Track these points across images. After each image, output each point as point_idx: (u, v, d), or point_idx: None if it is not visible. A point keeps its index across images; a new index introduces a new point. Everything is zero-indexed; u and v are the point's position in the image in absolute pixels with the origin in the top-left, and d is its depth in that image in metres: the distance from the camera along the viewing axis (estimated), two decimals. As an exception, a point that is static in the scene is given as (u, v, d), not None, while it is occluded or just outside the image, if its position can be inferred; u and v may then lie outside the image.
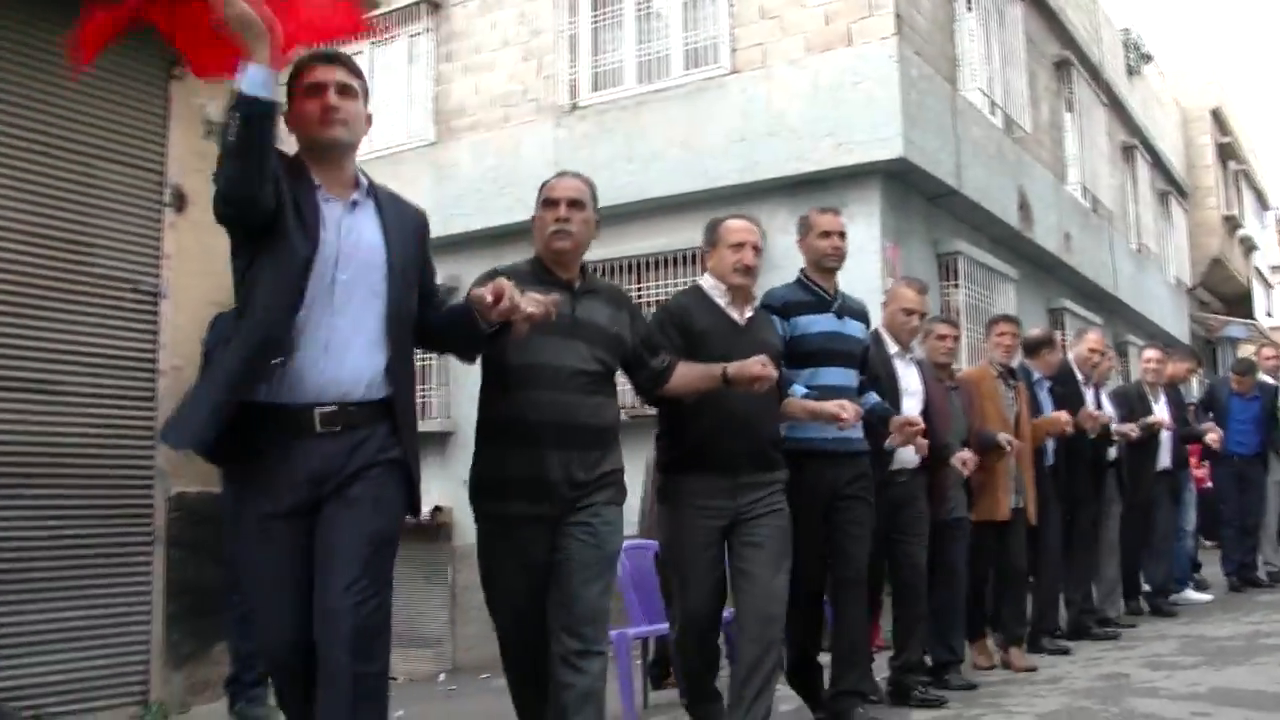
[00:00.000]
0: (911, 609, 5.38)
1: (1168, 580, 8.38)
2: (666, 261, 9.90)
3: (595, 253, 10.14)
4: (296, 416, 2.85)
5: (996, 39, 11.76)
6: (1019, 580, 6.42)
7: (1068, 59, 14.22)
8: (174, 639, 4.05)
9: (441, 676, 9.07)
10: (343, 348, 2.91)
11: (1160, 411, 8.20)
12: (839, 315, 4.86)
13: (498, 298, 2.96)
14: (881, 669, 5.50)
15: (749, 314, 4.43)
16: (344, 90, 3.00)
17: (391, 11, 12.12)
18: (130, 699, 4.11)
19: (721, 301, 4.37)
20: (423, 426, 10.40)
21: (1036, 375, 6.99)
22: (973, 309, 10.45)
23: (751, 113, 9.83)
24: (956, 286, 10.47)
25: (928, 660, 5.64)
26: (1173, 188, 20.14)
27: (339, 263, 2.92)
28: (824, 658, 4.97)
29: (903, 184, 9.71)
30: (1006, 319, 6.75)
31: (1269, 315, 27.89)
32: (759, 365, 3.83)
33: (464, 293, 3.24)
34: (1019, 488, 6.37)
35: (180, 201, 4.02)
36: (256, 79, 2.67)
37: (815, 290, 4.87)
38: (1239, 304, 24.39)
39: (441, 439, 10.63)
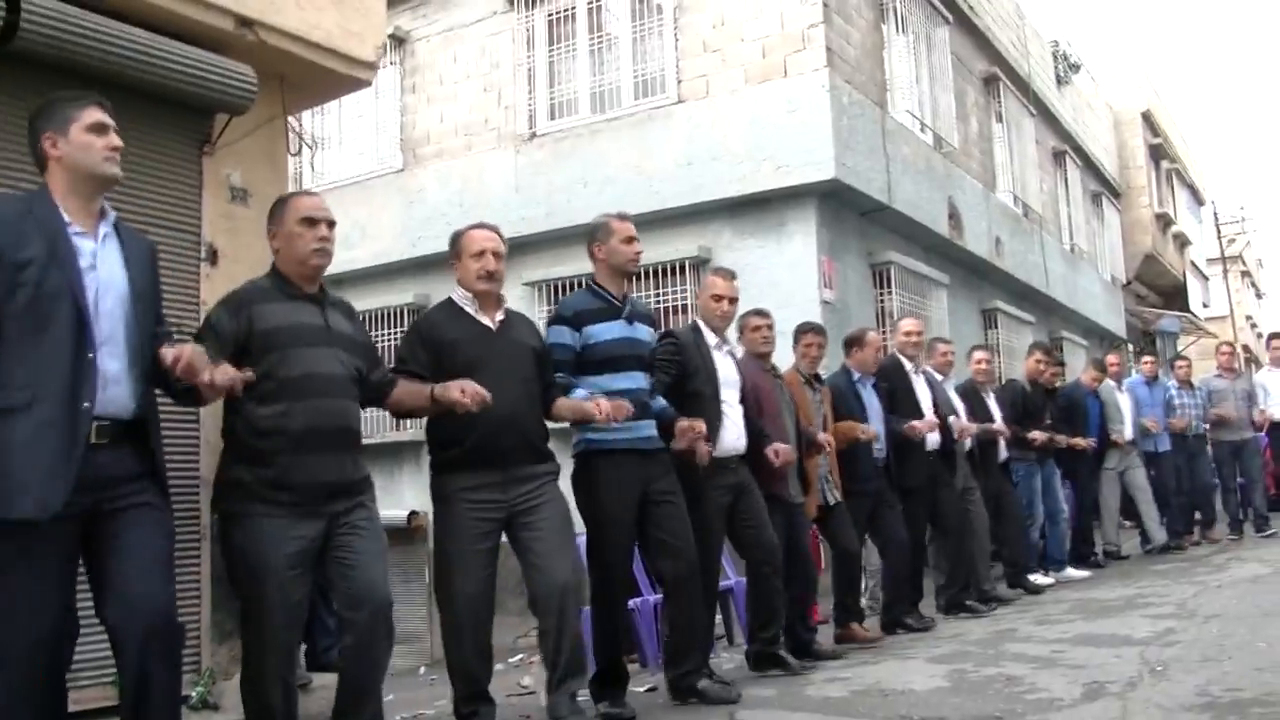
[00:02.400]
0: (767, 584, 5.50)
1: (1024, 559, 8.78)
2: (622, 277, 10.63)
3: (554, 270, 11.04)
4: None
5: (925, 61, 12.68)
6: (851, 562, 6.66)
7: (995, 74, 15.13)
8: (218, 618, 4.81)
9: (422, 669, 9.78)
10: (106, 373, 3.10)
11: (993, 407, 8.69)
12: (629, 320, 4.92)
13: (176, 361, 3.14)
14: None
15: (500, 318, 4.49)
16: (118, 136, 3.28)
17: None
18: (188, 667, 4.93)
19: (471, 310, 4.45)
20: (400, 437, 11.34)
21: (857, 375, 7.15)
22: (904, 312, 11.32)
23: (696, 139, 10.65)
24: (890, 293, 11.35)
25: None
26: (1105, 188, 21.12)
27: (99, 294, 3.13)
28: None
29: (837, 202, 10.56)
30: (813, 330, 6.84)
31: (1205, 306, 29.06)
32: (457, 391, 4.00)
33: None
34: (831, 484, 6.55)
35: (213, 257, 4.79)
36: None
37: (605, 297, 4.93)
38: (1175, 297, 25.44)
39: (416, 448, 11.33)
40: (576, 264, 10.52)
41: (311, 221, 3.87)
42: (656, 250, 10.30)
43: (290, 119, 5.51)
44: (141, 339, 3.24)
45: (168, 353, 3.17)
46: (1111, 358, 11.69)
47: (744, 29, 10.63)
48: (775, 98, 10.34)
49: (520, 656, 5.89)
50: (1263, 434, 12.03)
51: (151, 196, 4.60)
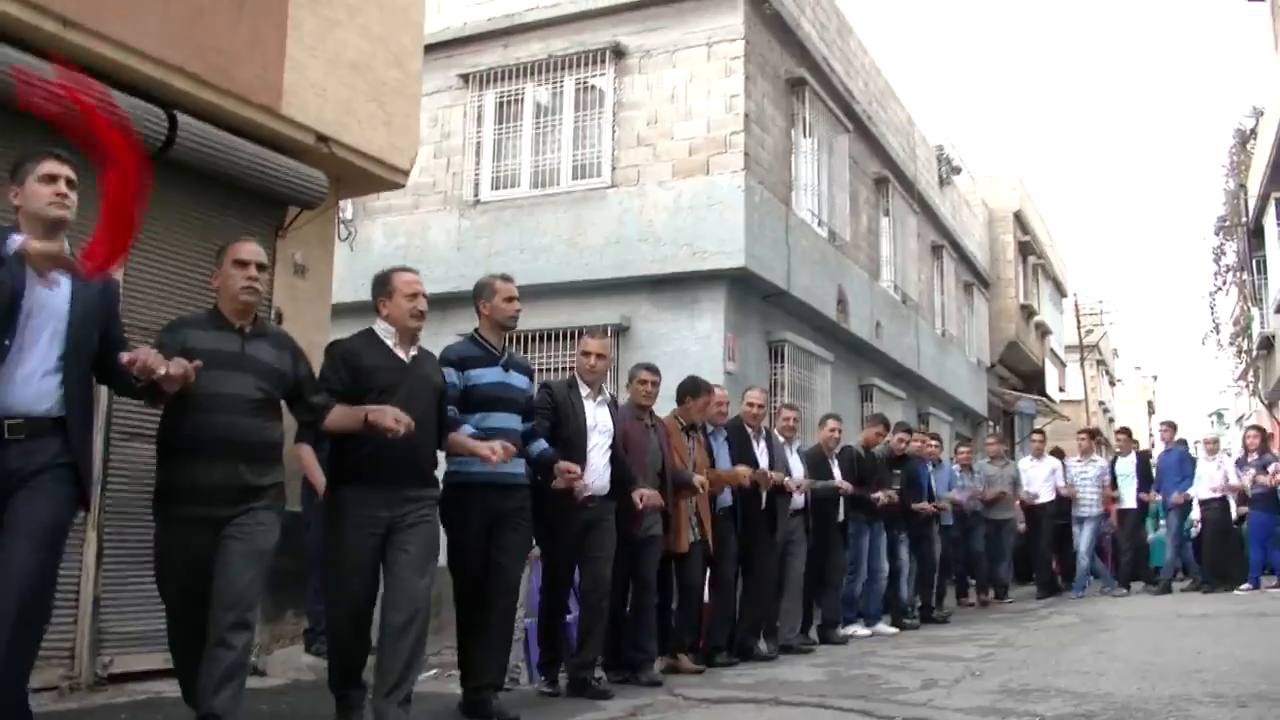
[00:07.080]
0: (592, 613, 6.03)
1: (837, 613, 9.32)
2: (551, 337, 11.97)
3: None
4: None
5: (826, 165, 14.37)
6: (694, 599, 7.19)
7: (885, 176, 16.94)
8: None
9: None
10: (28, 375, 3.56)
11: (837, 473, 9.35)
12: (505, 368, 5.48)
13: (131, 364, 3.65)
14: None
15: (413, 353, 4.90)
16: (70, 184, 3.65)
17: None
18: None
19: (390, 342, 4.84)
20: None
21: (711, 427, 7.75)
22: (794, 385, 12.97)
23: (626, 221, 12.06)
24: (783, 367, 12.94)
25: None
26: (977, 280, 23.20)
27: (31, 311, 3.55)
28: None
29: (743, 286, 12.10)
30: (707, 388, 7.50)
31: (1061, 390, 31.45)
32: (391, 418, 4.38)
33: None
34: (697, 523, 7.09)
35: (279, 318, 6.10)
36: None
37: (486, 347, 5.49)
38: (1034, 380, 27.69)
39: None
40: (514, 323, 11.87)
41: (242, 263, 4.29)
42: (582, 315, 11.68)
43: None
44: (79, 355, 3.71)
45: (124, 355, 3.69)
46: (964, 449, 13.64)
47: (675, 129, 12.14)
48: (697, 191, 11.83)
49: (434, 671, 6.77)
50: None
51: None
